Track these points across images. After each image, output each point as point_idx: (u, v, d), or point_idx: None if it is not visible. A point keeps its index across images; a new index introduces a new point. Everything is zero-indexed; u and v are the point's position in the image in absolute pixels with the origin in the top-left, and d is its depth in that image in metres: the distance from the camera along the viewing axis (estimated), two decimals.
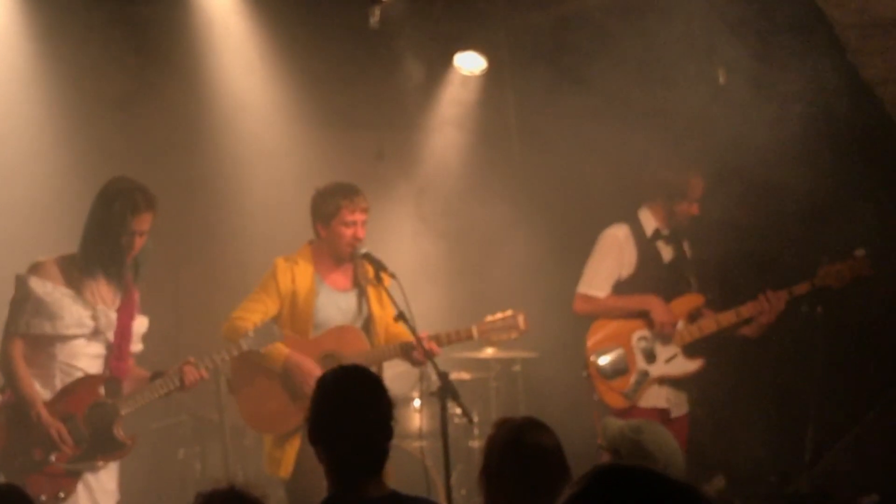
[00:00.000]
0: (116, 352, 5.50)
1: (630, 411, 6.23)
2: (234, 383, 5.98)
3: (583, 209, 7.36)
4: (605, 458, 4.31)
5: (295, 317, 5.88)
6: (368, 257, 5.85)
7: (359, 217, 5.89)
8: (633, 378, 6.30)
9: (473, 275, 8.33)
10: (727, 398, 7.07)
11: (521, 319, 6.00)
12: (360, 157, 8.18)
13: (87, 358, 5.45)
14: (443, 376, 5.22)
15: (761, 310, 6.20)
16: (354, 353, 5.81)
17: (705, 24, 6.60)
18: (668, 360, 6.32)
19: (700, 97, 6.71)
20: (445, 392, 5.18)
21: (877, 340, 6.58)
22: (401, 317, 5.45)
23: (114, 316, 5.47)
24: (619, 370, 6.32)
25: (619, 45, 6.99)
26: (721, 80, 6.74)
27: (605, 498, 2.13)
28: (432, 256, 8.06)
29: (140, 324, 5.67)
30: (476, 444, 7.36)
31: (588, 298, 6.41)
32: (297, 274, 5.90)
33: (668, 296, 6.36)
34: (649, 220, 6.45)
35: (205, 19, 7.47)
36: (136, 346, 5.67)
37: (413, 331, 5.47)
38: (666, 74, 6.82)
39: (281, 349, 5.80)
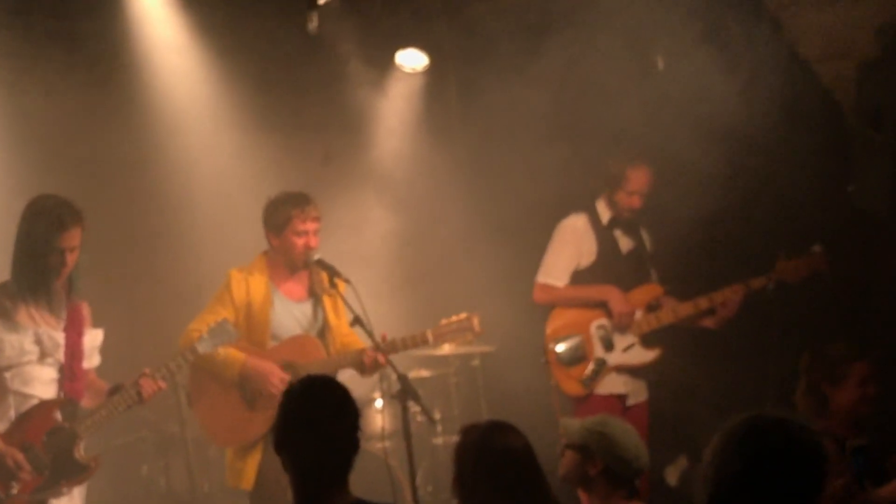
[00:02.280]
0: (69, 373, 5.35)
1: (588, 399, 6.29)
2: (193, 397, 5.96)
3: (534, 201, 7.39)
4: (572, 456, 4.34)
5: (251, 328, 5.86)
6: (321, 263, 5.83)
7: (310, 226, 5.88)
8: (590, 366, 6.35)
9: (429, 274, 8.34)
10: (688, 381, 7.14)
11: (475, 322, 6.02)
12: (308, 161, 8.16)
13: (41, 384, 5.31)
14: (402, 378, 5.25)
15: (718, 302, 6.27)
16: (312, 362, 5.81)
17: (646, 11, 6.64)
18: (626, 349, 6.37)
19: (644, 84, 6.76)
20: (406, 394, 5.20)
21: (833, 316, 6.66)
22: (357, 321, 5.45)
23: (60, 336, 5.33)
24: (576, 357, 6.37)
25: (562, 32, 7.02)
26: (660, 66, 6.79)
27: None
28: (385, 258, 8.06)
29: (93, 338, 5.55)
30: (440, 441, 7.40)
31: (547, 288, 6.46)
32: (252, 285, 5.88)
33: (628, 285, 6.41)
34: (605, 210, 6.50)
35: (145, 32, 7.43)
36: (93, 361, 5.56)
37: (370, 333, 5.47)
38: (609, 62, 6.86)
39: (237, 355, 5.78)
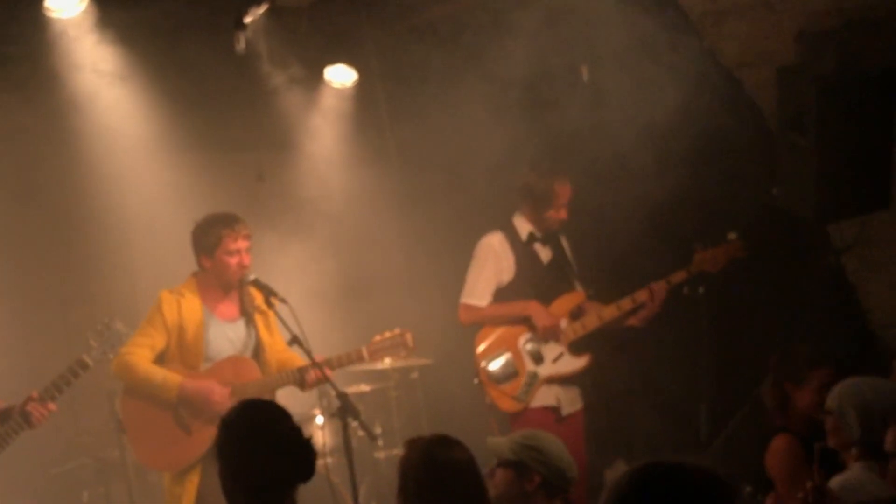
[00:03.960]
0: None
1: (522, 413, 6.33)
2: (126, 422, 5.91)
3: (464, 216, 7.44)
4: (506, 474, 4.37)
5: (184, 350, 5.83)
6: (257, 283, 5.83)
7: (242, 244, 5.88)
8: (522, 380, 6.37)
9: (365, 290, 8.36)
10: (622, 387, 7.22)
11: (408, 338, 6.05)
12: (240, 180, 8.16)
13: None
14: (342, 396, 5.24)
15: (642, 301, 6.32)
16: (249, 382, 5.81)
17: (569, 22, 6.71)
18: (556, 360, 6.41)
19: (569, 96, 6.83)
20: (345, 412, 5.20)
21: (759, 316, 6.78)
22: (294, 341, 5.43)
23: None
24: (508, 374, 6.40)
25: (486, 48, 7.08)
26: (584, 76, 6.87)
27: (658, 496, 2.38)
28: (319, 275, 8.06)
29: None
30: (382, 455, 7.41)
31: (470, 308, 6.49)
32: (184, 307, 5.86)
33: (551, 296, 6.45)
34: (523, 225, 6.52)
35: (70, 54, 7.36)
36: None
37: (308, 353, 5.45)
38: (534, 75, 6.93)
39: (174, 377, 5.75)
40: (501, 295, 6.47)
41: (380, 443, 7.32)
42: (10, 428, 5.23)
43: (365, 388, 7.57)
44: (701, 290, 6.35)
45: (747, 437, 6.40)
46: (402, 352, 6.10)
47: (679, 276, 6.34)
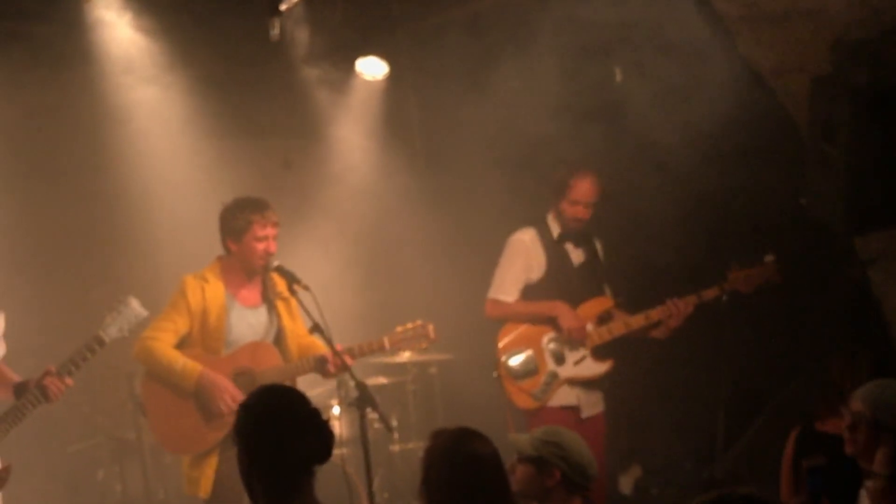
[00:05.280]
0: None
1: (539, 411, 6.31)
2: (147, 405, 5.91)
3: (489, 213, 7.44)
4: (527, 469, 4.37)
5: (206, 335, 5.83)
6: (281, 270, 5.82)
7: (270, 231, 5.88)
8: (542, 379, 6.36)
9: (387, 281, 8.37)
10: (641, 392, 7.20)
11: (430, 329, 6.05)
12: (267, 167, 8.17)
13: None
14: (360, 386, 5.23)
15: (670, 314, 6.28)
16: (269, 369, 5.81)
17: (604, 23, 6.69)
18: (578, 363, 6.39)
19: (601, 97, 6.81)
20: (363, 401, 5.19)
21: (782, 326, 6.75)
22: (316, 329, 5.42)
23: None
24: (528, 371, 6.38)
25: (519, 46, 7.07)
26: (618, 78, 6.85)
27: None
28: (342, 265, 8.07)
29: None
30: (397, 448, 7.42)
31: (497, 303, 6.47)
32: (208, 291, 5.85)
33: (579, 298, 6.42)
34: (555, 224, 6.50)
35: (103, 35, 7.39)
36: (0, 351, 5.38)
37: (329, 342, 5.45)
38: (567, 74, 6.91)
39: (194, 366, 5.76)
40: (529, 293, 6.46)
41: (395, 436, 7.32)
42: (26, 401, 5.19)
43: (383, 380, 7.58)
44: (724, 297, 6.32)
45: (764, 446, 6.38)
46: (423, 343, 6.09)
47: (711, 293, 6.28)
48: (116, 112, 7.59)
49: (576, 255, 6.54)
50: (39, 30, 7.29)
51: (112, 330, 5.39)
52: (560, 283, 6.42)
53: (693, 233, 6.84)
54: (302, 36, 7.68)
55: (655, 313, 6.31)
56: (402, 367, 7.66)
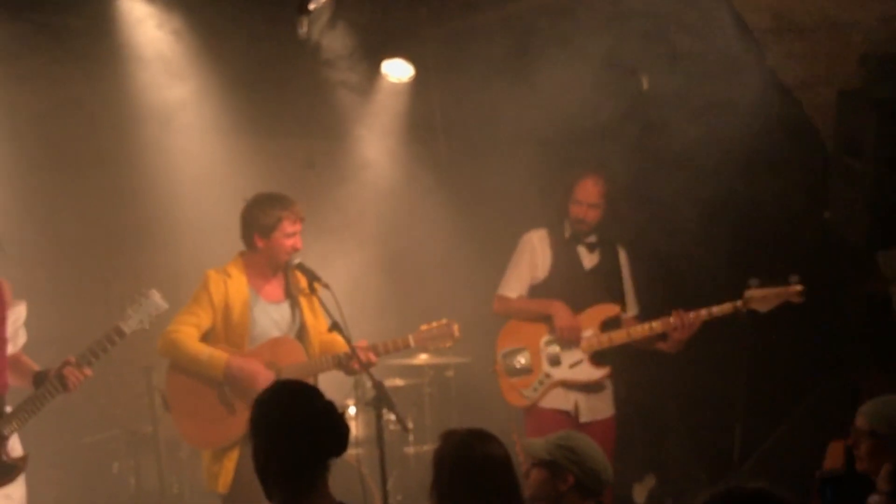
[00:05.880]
0: None
1: (536, 412, 6.32)
2: (170, 399, 5.91)
3: (510, 219, 7.43)
4: (541, 474, 4.36)
5: (230, 330, 5.83)
6: (301, 267, 5.84)
7: (298, 227, 5.89)
8: (535, 379, 6.39)
9: (405, 283, 8.37)
10: (657, 400, 7.18)
11: (455, 328, 6.06)
12: (290, 166, 8.20)
13: None
14: (378, 385, 5.22)
15: (675, 326, 6.18)
16: (291, 364, 5.81)
17: (630, 30, 6.69)
18: (573, 366, 6.38)
19: (627, 104, 6.81)
20: (381, 401, 5.19)
21: (802, 339, 6.72)
22: (335, 327, 5.43)
23: None
24: (522, 369, 6.43)
25: (543, 52, 7.06)
26: (644, 86, 6.84)
27: None
28: (363, 265, 8.08)
29: (16, 317, 5.29)
30: (411, 450, 7.42)
31: (502, 299, 6.55)
32: (231, 286, 5.85)
33: (586, 302, 6.40)
34: (568, 224, 6.52)
35: (132, 30, 7.42)
36: (19, 341, 5.32)
37: (348, 340, 5.45)
38: (591, 80, 6.90)
39: (221, 354, 5.74)
40: (535, 291, 6.50)
41: (410, 437, 7.32)
42: (45, 391, 5.17)
43: (399, 382, 7.59)
44: (745, 314, 6.28)
45: (780, 459, 6.36)
46: (448, 342, 6.10)
47: (724, 309, 6.13)
48: (143, 108, 7.62)
49: (588, 259, 6.53)
50: (69, 23, 7.32)
51: (132, 321, 5.36)
52: (566, 285, 6.43)
53: (714, 243, 6.81)
54: (329, 36, 7.69)
55: (659, 325, 6.22)
56: (419, 369, 7.67)
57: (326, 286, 5.73)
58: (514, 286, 6.52)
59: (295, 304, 6.00)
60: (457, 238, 8.20)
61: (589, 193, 6.36)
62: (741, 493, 2.45)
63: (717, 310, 6.14)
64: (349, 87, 8.13)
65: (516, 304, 6.50)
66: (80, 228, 7.72)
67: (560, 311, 6.34)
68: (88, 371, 5.24)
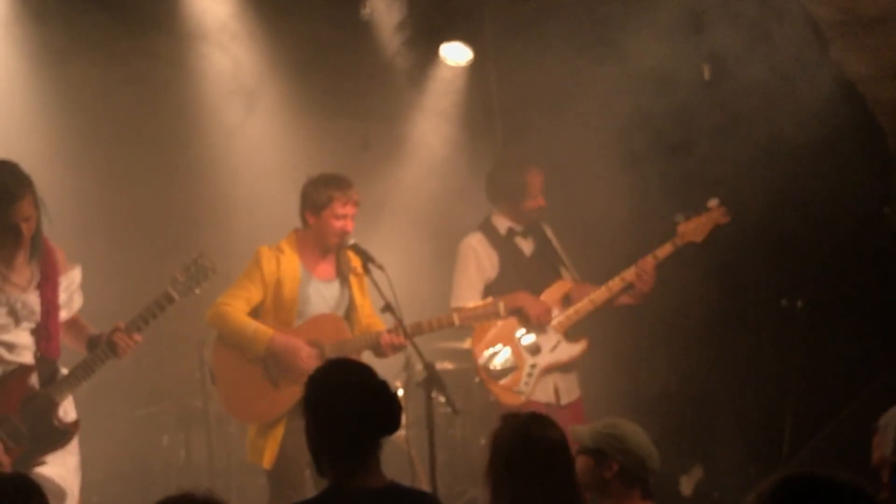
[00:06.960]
0: (44, 333, 5.07)
1: (526, 406, 6.31)
2: (217, 374, 5.95)
3: (569, 199, 7.39)
4: (586, 461, 4.34)
5: (279, 306, 5.86)
6: (356, 248, 5.85)
7: (350, 210, 5.90)
8: (524, 372, 6.45)
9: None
10: (707, 393, 7.13)
11: (501, 307, 6.05)
12: (345, 147, 8.20)
13: (26, 349, 5.07)
14: (429, 367, 5.22)
15: (631, 279, 6.31)
16: (337, 342, 5.84)
17: (694, 22, 6.64)
18: (553, 349, 6.48)
19: (690, 94, 6.76)
20: (431, 383, 5.20)
21: (857, 336, 6.66)
22: (387, 308, 5.45)
23: (32, 298, 5.06)
24: (509, 368, 6.47)
25: (604, 36, 7.02)
26: (706, 75, 6.79)
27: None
28: (415, 247, 8.08)
29: (70, 281, 5.27)
30: (458, 433, 7.41)
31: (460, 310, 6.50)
32: (283, 263, 5.89)
33: (539, 287, 6.52)
34: (502, 222, 6.66)
35: (193, 8, 7.46)
36: (74, 305, 5.31)
37: (400, 321, 5.49)
38: (652, 67, 6.86)
39: (266, 330, 5.78)
40: (491, 291, 6.52)
41: (458, 421, 7.31)
42: (96, 356, 5.17)
43: (449, 365, 7.56)
44: (799, 303, 6.26)
45: (831, 453, 6.30)
46: (493, 320, 6.13)
47: (665, 250, 6.32)
48: (201, 83, 7.66)
49: (526, 247, 6.67)
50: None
51: (182, 287, 5.33)
52: (517, 276, 6.53)
53: (768, 234, 6.76)
54: (389, 19, 7.69)
55: (616, 283, 6.37)
56: (469, 353, 7.64)
57: (381, 267, 5.73)
58: (468, 294, 6.53)
59: (345, 283, 6.03)
60: None
61: (539, 186, 6.56)
62: (802, 478, 2.35)
63: (659, 252, 6.31)
64: (407, 70, 8.12)
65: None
66: (136, 204, 7.77)
67: (527, 300, 6.44)
68: (138, 337, 5.23)
